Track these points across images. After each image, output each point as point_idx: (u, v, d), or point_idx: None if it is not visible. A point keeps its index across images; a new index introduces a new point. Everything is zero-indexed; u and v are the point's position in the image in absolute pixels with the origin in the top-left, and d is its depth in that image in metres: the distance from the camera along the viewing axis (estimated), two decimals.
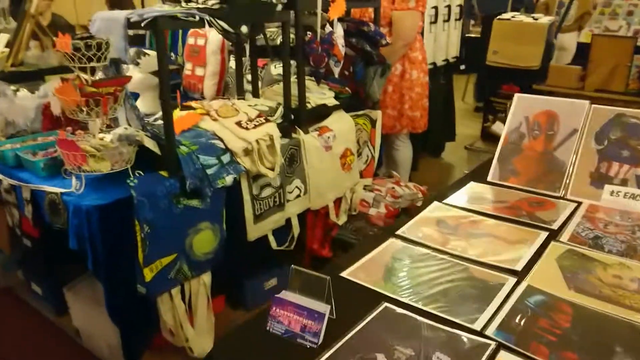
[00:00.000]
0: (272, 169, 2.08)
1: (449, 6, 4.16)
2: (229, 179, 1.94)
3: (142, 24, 1.62)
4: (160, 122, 2.08)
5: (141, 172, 1.80)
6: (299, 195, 2.36)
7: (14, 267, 2.67)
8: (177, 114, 2.13)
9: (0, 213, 2.48)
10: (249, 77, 2.56)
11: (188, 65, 3.11)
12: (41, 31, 4.64)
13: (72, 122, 2.30)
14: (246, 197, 2.11)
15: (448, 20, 4.19)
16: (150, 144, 1.79)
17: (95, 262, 1.68)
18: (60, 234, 1.85)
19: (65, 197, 1.71)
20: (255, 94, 2.46)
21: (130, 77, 1.83)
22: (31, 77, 3.76)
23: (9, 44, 4.43)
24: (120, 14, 1.74)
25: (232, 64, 2.97)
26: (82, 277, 2.23)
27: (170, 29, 2.05)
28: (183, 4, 1.79)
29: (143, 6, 3.90)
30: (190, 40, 3.10)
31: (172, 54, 3.20)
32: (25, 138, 2.16)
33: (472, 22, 6.92)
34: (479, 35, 5.33)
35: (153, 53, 2.71)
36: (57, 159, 1.87)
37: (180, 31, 3.22)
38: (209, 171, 1.87)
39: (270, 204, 2.23)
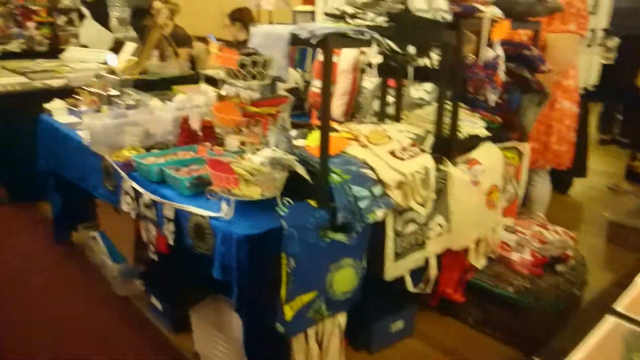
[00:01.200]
0: (424, 205, 1.87)
1: (593, 30, 3.78)
2: (380, 214, 1.75)
3: (313, 42, 1.48)
4: (301, 143, 1.94)
5: (290, 201, 1.66)
6: (440, 233, 2.13)
7: (134, 277, 2.65)
8: (316, 136, 1.99)
9: (130, 223, 2.46)
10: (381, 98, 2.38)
11: (316, 83, 3.00)
12: (165, 41, 4.78)
13: (209, 138, 2.23)
14: (389, 233, 1.91)
15: (590, 45, 3.81)
16: (302, 170, 1.64)
17: (239, 296, 1.55)
18: (189, 253, 1.75)
19: (214, 222, 1.60)
20: (397, 118, 2.27)
21: (288, 97, 1.70)
22: (156, 86, 3.84)
23: (134, 53, 4.59)
24: (284, 30, 1.62)
25: (366, 83, 2.81)
26: (207, 300, 2.13)
27: (338, 48, 1.90)
28: (348, 19, 1.64)
29: (271, 21, 3.86)
30: (321, 57, 2.98)
31: (299, 69, 3.10)
32: (165, 152, 2.10)
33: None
34: (611, 60, 4.82)
35: (290, 70, 2.61)
36: (203, 178, 1.78)
37: None
38: (361, 204, 1.70)
39: (412, 241, 2.02)
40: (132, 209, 2.06)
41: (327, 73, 1.55)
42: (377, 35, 1.58)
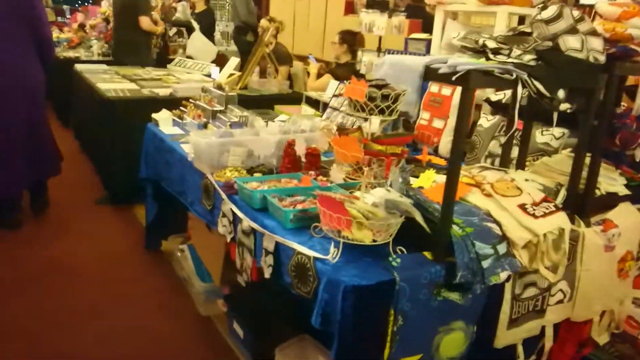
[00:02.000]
0: (553, 271, 1.62)
1: None
2: (503, 276, 1.53)
3: (453, 78, 1.32)
4: (414, 184, 1.77)
5: (403, 250, 1.49)
6: (561, 301, 1.86)
7: (218, 298, 2.58)
8: (430, 177, 1.81)
9: (220, 243, 2.40)
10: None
11: (425, 115, 2.82)
12: (267, 58, 4.81)
13: (313, 166, 2.11)
14: (507, 295, 1.68)
15: None
16: (420, 218, 1.47)
17: (339, 351, 1.39)
18: (281, 286, 1.63)
19: (319, 264, 1.46)
20: (521, 164, 2.04)
21: (413, 135, 1.54)
22: (256, 103, 3.84)
23: (237, 67, 4.65)
24: (416, 61, 1.47)
25: (482, 121, 2.60)
26: (294, 340, 1.99)
27: (480, 87, 1.72)
28: (491, 56, 1.46)
29: (380, 47, 3.74)
30: (434, 89, 2.81)
31: None
32: (268, 177, 2.01)
33: None
34: None
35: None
36: (308, 212, 1.65)
37: None
38: (484, 263, 1.49)
39: (529, 307, 1.77)
40: (228, 232, 1.98)
41: (465, 113, 1.38)
42: (525, 76, 1.39)
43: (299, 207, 1.69)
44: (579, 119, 1.72)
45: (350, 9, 5.95)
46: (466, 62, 1.39)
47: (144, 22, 5.41)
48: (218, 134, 2.18)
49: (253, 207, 1.82)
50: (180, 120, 2.92)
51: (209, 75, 5.12)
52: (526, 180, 1.82)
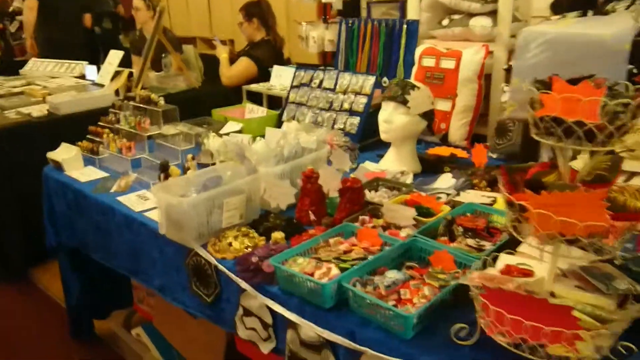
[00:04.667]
0: None
1: None
2: None
3: None
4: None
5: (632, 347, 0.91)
6: None
7: None
8: None
9: (215, 331, 1.65)
10: None
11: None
12: (167, 46, 3.86)
13: (355, 206, 1.44)
14: None
15: None
16: None
17: None
18: None
19: None
20: None
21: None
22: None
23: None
24: (608, 33, 0.85)
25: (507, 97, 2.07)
26: None
27: None
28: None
29: (326, 15, 3.01)
30: (427, 62, 2.22)
31: (385, 78, 2.33)
32: (308, 245, 1.29)
33: None
34: None
35: (422, 86, 1.83)
36: (433, 306, 1.00)
37: (403, 44, 2.34)
38: None
39: None
40: (263, 338, 1.25)
41: None
42: None
43: (421, 300, 1.02)
44: None
45: None
46: None
47: None
48: (197, 184, 1.39)
49: (321, 306, 1.11)
50: (94, 157, 2.01)
51: (83, 77, 4.03)
52: None
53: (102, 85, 3.64)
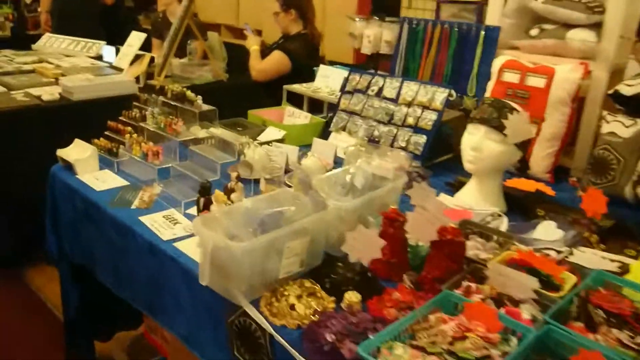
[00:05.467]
0: None
1: None
2: None
3: None
4: None
5: None
6: None
7: None
8: None
9: None
10: None
11: None
12: (195, 31, 3.52)
13: (455, 264, 1.11)
14: None
15: None
16: None
17: None
18: None
19: None
20: None
21: None
22: None
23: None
24: None
25: (615, 127, 1.73)
26: None
27: None
28: None
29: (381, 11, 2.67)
30: (509, 76, 1.89)
31: (455, 93, 2.00)
32: (404, 323, 0.97)
33: None
34: None
35: (521, 110, 1.50)
36: None
37: (479, 54, 2.00)
38: None
39: None
40: None
41: None
42: None
43: None
44: None
45: None
46: None
47: None
48: (253, 220, 1.06)
49: None
50: (113, 158, 1.68)
51: (99, 58, 3.71)
52: None
53: (119, 69, 3.31)
